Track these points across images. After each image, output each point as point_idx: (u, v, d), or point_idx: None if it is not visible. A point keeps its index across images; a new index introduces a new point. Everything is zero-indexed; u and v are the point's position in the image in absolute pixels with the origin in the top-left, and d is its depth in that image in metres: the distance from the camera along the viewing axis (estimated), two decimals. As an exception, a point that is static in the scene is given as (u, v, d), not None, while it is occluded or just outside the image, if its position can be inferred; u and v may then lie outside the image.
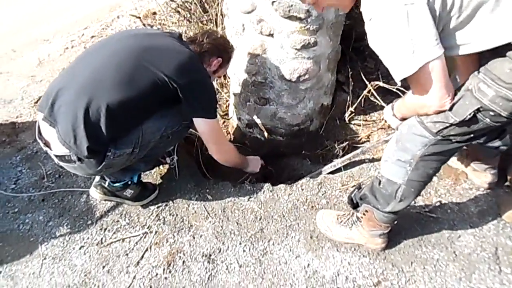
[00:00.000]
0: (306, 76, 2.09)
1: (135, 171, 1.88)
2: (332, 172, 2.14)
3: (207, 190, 2.05)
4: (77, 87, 1.52)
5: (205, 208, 1.95)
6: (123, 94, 1.51)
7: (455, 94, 1.19)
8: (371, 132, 2.35)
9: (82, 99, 1.48)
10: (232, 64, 2.32)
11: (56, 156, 1.58)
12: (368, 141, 2.34)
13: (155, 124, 1.68)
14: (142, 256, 1.75)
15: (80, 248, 1.80)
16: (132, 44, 1.62)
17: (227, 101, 2.79)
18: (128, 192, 1.90)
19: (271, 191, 2.02)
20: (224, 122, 2.77)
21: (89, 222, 1.91)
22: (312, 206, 1.93)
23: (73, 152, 1.52)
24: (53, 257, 1.77)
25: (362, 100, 2.34)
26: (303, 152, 2.39)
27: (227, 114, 2.76)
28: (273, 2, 1.79)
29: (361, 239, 1.68)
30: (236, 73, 2.34)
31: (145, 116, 1.64)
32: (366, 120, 2.44)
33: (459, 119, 1.16)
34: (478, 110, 1.13)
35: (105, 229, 1.87)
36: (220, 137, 1.96)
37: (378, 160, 2.13)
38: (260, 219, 1.89)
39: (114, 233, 1.86)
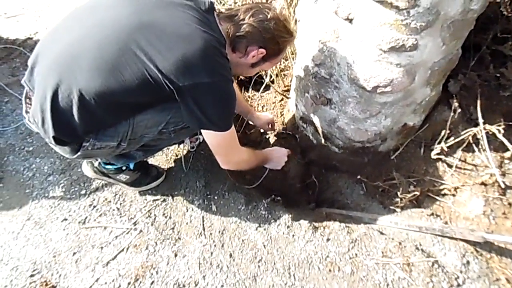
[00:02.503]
0: (387, 89, 1.42)
1: (131, 159, 1.55)
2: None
3: (215, 198, 1.67)
4: (52, 57, 1.16)
5: (203, 222, 1.59)
6: (101, 83, 1.11)
7: None
8: (463, 184, 1.61)
9: (52, 76, 1.13)
10: (301, 34, 1.71)
11: None
12: (454, 195, 1.64)
13: (153, 117, 1.29)
14: (115, 257, 1.52)
15: (62, 221, 1.63)
16: (127, 15, 1.14)
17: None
18: (123, 177, 1.61)
19: (288, 227, 1.56)
20: (282, 99, 2.23)
21: (83, 191, 1.72)
22: (330, 270, 1.43)
23: (42, 134, 1.24)
24: (36, 221, 1.64)
25: (469, 136, 1.59)
26: (360, 176, 1.79)
27: (288, 91, 2.21)
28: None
29: None
30: (301, 50, 1.74)
31: (135, 110, 1.25)
32: (463, 161, 1.69)
33: None
34: None
35: (94, 207, 1.66)
36: (231, 151, 1.45)
37: (453, 239, 1.46)
38: (259, 261, 1.48)
39: (101, 215, 1.64)
